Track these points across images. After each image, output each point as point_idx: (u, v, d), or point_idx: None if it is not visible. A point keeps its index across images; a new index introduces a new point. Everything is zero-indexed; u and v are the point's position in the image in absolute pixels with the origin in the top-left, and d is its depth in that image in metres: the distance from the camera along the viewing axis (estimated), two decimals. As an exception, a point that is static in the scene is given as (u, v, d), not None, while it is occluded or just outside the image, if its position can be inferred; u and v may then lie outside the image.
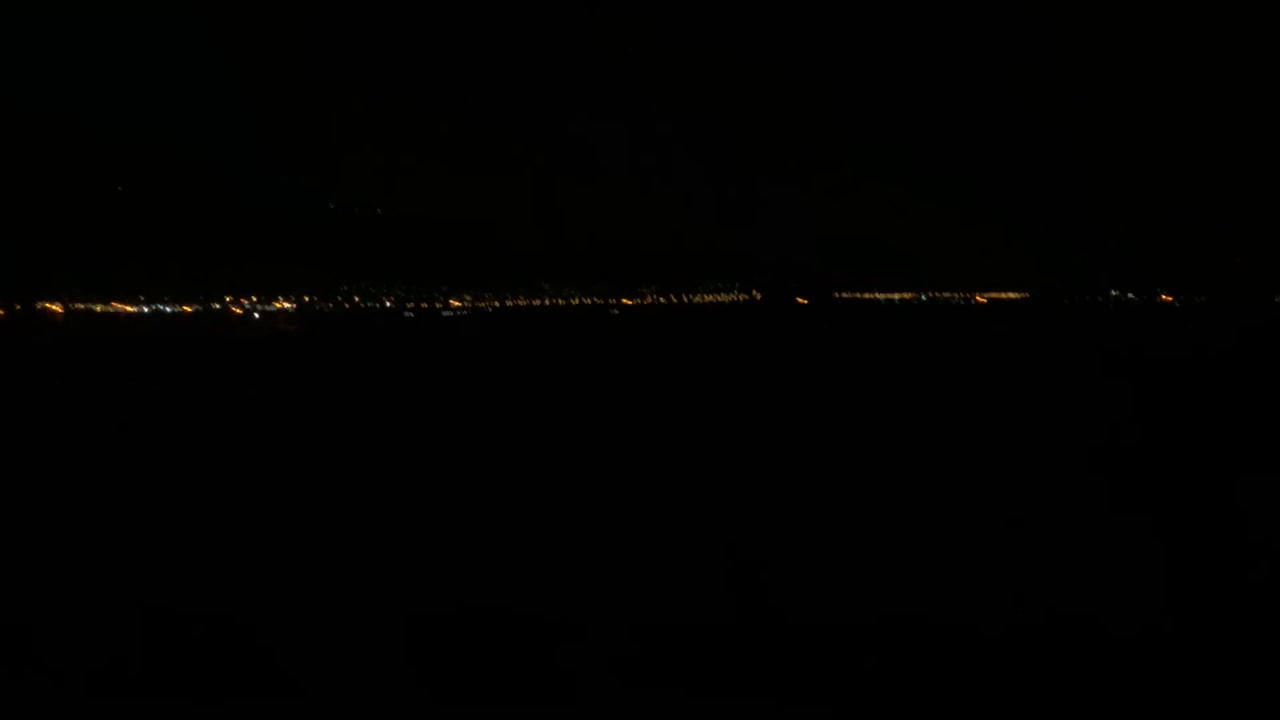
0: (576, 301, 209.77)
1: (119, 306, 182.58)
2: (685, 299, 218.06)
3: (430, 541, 14.81)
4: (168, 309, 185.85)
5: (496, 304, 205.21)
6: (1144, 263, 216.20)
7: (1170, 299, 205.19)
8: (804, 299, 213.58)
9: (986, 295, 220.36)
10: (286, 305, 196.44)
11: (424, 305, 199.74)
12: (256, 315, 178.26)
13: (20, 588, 12.52)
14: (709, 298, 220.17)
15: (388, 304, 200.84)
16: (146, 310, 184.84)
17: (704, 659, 10.06)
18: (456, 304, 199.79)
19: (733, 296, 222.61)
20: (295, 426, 28.60)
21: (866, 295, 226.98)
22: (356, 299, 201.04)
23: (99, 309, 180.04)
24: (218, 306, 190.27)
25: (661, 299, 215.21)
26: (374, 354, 68.20)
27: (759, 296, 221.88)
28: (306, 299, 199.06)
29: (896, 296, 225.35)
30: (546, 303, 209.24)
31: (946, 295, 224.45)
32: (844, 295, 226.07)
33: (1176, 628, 10.75)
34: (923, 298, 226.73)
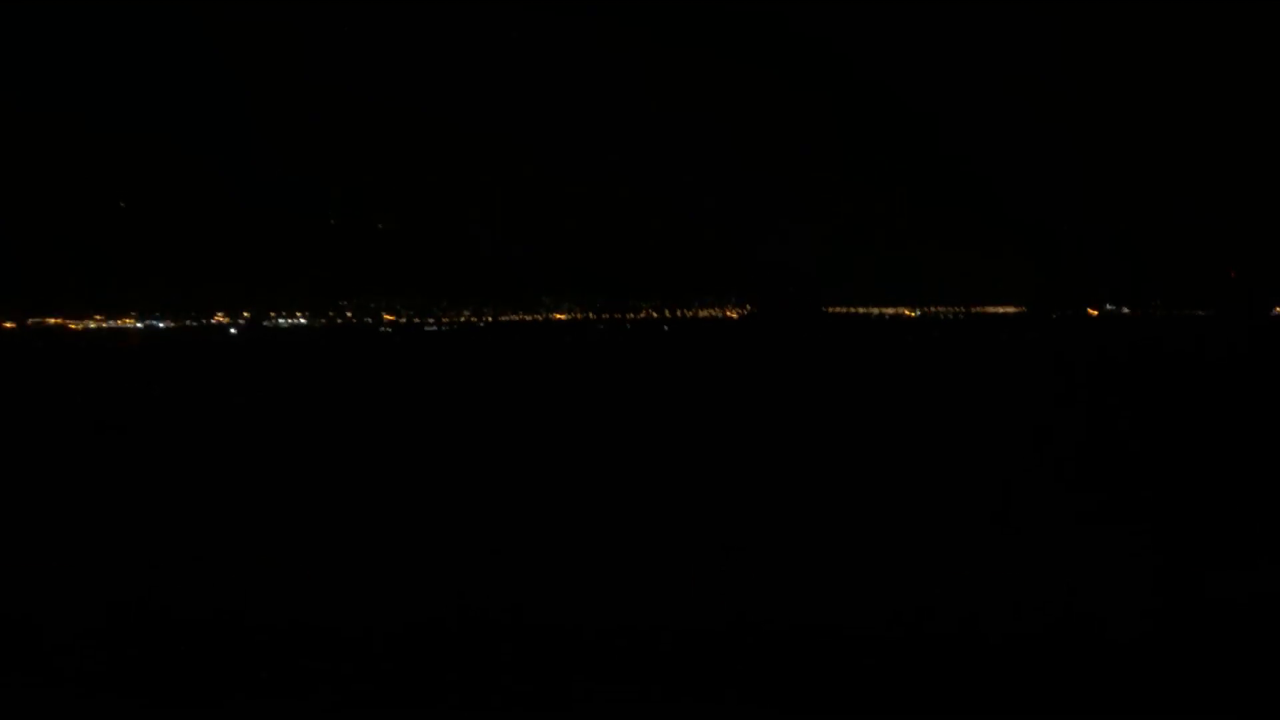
0: (579, 316, 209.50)
1: (114, 322, 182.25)
2: (681, 313, 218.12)
3: (423, 548, 14.72)
4: (160, 324, 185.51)
5: (489, 319, 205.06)
6: (1140, 275, 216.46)
7: (1165, 311, 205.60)
8: (799, 312, 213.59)
9: (982, 308, 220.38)
10: (284, 320, 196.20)
11: (414, 320, 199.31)
12: (233, 331, 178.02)
13: (21, 588, 12.41)
14: (705, 312, 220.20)
15: (383, 318, 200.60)
16: (140, 325, 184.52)
17: (701, 661, 9.98)
18: (447, 320, 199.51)
19: (729, 310, 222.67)
20: (292, 436, 28.50)
21: (861, 310, 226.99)
22: (349, 314, 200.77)
23: (92, 325, 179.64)
24: (212, 321, 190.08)
25: (654, 314, 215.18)
26: (369, 367, 68.04)
27: (754, 310, 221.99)
28: (302, 314, 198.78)
29: (890, 311, 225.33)
30: (546, 318, 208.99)
31: (942, 309, 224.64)
32: (837, 309, 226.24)
33: (1171, 631, 10.73)
34: (916, 312, 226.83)
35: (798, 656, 10.09)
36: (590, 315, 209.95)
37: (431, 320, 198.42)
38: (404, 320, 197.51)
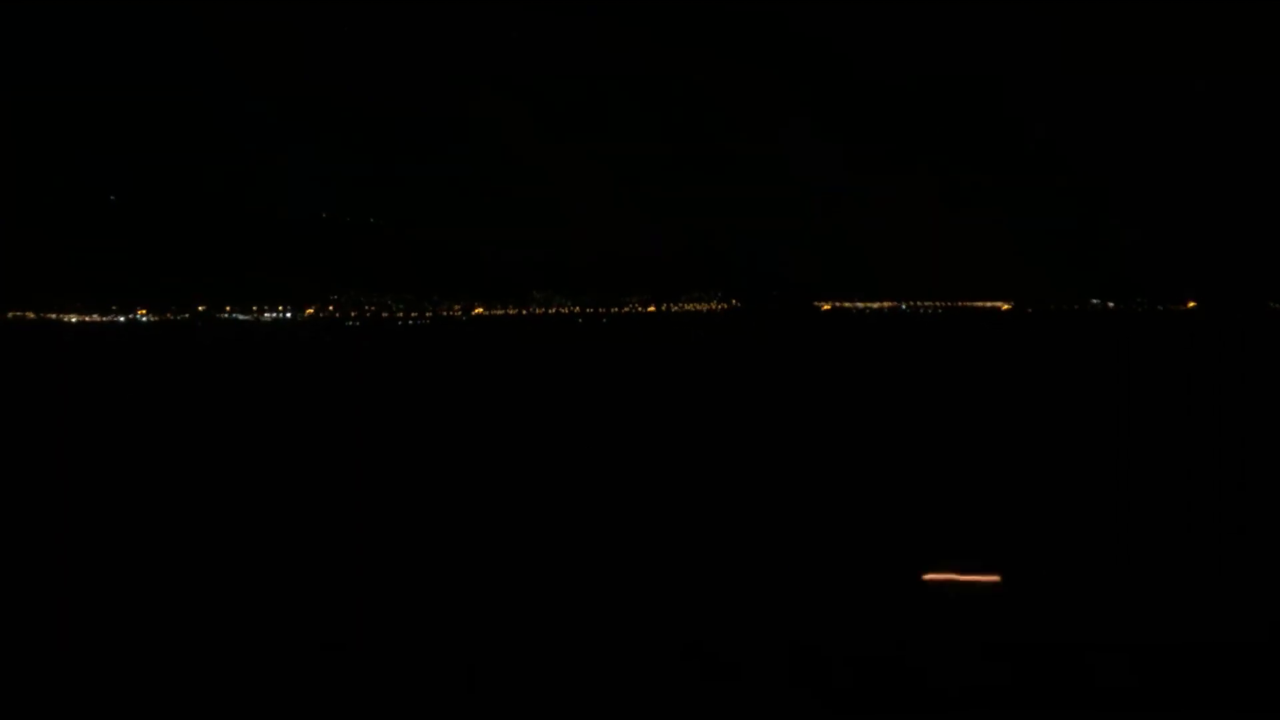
0: (566, 310, 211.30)
1: (105, 317, 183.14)
2: (668, 307, 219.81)
3: (418, 548, 14.57)
4: (144, 319, 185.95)
5: (479, 312, 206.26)
6: (1128, 270, 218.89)
7: (1150, 306, 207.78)
8: (787, 308, 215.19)
9: (971, 303, 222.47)
10: (272, 315, 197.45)
11: (398, 315, 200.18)
12: (214, 325, 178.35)
13: (21, 588, 12.23)
14: (692, 306, 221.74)
15: (368, 312, 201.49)
16: (123, 320, 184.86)
17: (697, 661, 9.82)
18: (430, 314, 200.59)
19: (714, 305, 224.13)
20: (284, 431, 28.44)
21: (848, 304, 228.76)
22: (332, 307, 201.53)
23: (82, 319, 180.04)
24: (198, 311, 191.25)
25: (641, 308, 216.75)
26: (357, 362, 68.41)
27: (739, 305, 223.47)
28: (286, 308, 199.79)
29: (876, 305, 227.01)
30: (538, 311, 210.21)
31: (929, 304, 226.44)
32: (826, 304, 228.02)
33: (1168, 630, 10.60)
34: (903, 307, 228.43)
35: (793, 656, 9.93)
36: (576, 309, 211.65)
37: (415, 314, 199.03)
38: (387, 315, 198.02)
